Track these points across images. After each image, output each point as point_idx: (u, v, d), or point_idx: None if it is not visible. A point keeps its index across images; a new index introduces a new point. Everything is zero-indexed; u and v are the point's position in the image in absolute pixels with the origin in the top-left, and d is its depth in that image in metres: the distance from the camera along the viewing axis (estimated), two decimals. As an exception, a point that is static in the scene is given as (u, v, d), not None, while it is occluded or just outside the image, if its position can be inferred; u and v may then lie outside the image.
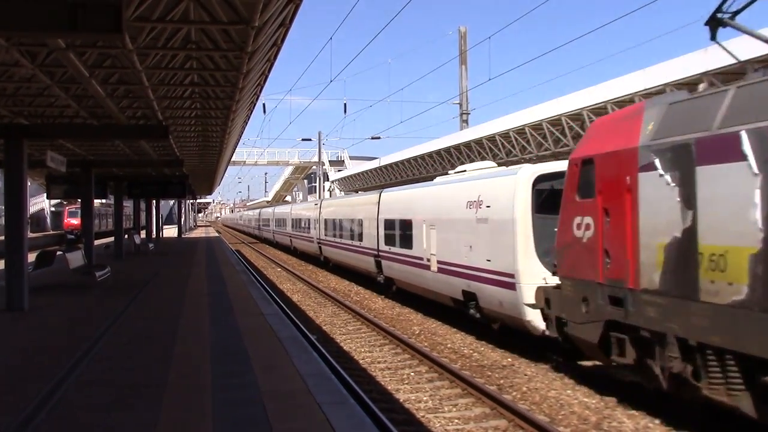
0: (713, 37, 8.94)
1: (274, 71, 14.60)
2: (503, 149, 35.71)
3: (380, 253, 22.46)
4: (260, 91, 17.69)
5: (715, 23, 8.82)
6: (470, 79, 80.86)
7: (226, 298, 15.88)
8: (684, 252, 7.83)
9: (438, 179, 20.12)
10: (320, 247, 34.22)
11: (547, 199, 12.82)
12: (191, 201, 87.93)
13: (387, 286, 22.37)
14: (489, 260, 14.00)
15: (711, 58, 20.26)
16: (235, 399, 7.25)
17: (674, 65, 22.12)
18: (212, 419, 6.57)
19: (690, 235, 7.74)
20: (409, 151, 51.03)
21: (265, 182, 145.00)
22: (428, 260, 17.60)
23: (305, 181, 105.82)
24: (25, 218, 14.63)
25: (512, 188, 13.27)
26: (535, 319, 12.27)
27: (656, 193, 8.42)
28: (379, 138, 57.46)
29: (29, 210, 59.76)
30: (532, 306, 12.29)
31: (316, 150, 70.66)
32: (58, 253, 21.51)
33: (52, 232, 63.89)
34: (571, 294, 10.60)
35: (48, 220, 71.58)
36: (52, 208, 72.20)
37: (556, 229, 11.33)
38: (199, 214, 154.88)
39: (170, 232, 70.35)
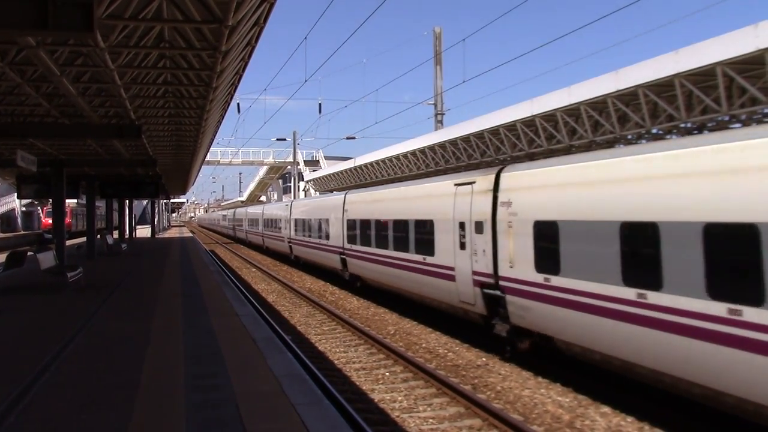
0: None
1: (248, 70, 14.53)
2: (478, 150, 35.85)
3: (345, 251, 23.54)
4: (234, 91, 17.60)
5: None
6: (445, 79, 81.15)
7: (200, 298, 15.77)
8: None
9: (394, 185, 21.27)
10: (290, 246, 35.36)
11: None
12: (165, 201, 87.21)
13: (352, 282, 23.41)
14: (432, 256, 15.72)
15: (682, 59, 20.54)
16: (208, 400, 7.20)
17: (646, 67, 22.36)
18: (185, 420, 6.52)
19: None
20: (384, 152, 51.05)
21: (240, 182, 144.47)
22: (388, 256, 18.68)
23: (280, 181, 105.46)
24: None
25: (451, 196, 14.84)
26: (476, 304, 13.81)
27: None
28: (354, 138, 57.50)
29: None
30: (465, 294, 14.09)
31: (291, 150, 70.48)
32: (29, 253, 21.25)
33: (23, 232, 63.05)
34: None
35: (19, 220, 70.61)
36: (23, 208, 71.26)
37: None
38: (173, 214, 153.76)
39: (143, 232, 69.71)
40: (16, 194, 46.38)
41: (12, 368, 8.90)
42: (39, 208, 74.24)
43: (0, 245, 42.44)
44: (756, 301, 7.18)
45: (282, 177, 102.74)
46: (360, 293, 22.78)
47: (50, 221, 59.35)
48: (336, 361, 13.34)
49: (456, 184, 14.82)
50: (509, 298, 12.26)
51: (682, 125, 22.91)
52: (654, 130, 23.98)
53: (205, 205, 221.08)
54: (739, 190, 7.48)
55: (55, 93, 14.56)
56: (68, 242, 41.01)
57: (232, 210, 78.60)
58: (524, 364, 12.43)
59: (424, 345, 14.65)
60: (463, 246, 14.20)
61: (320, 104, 52.19)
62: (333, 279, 26.92)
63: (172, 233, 77.40)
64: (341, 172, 64.20)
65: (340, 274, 24.67)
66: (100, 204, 51.05)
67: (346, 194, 24.53)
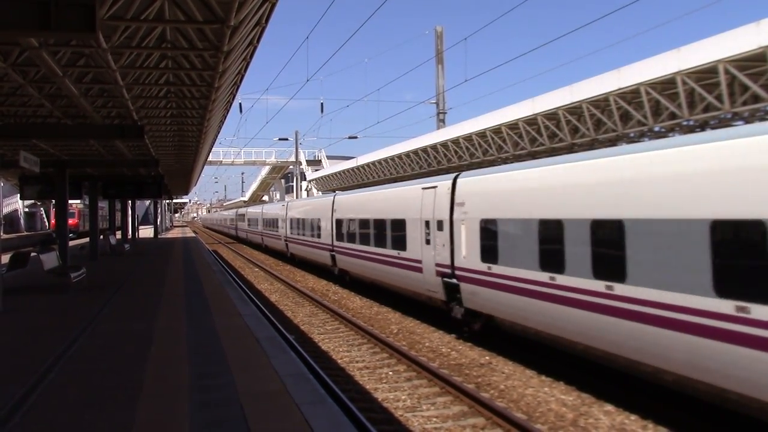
0: None
1: (250, 70, 14.54)
2: (480, 148, 35.85)
3: (334, 248, 25.44)
4: (236, 91, 17.60)
5: None
6: (447, 78, 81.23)
7: (204, 298, 15.79)
8: None
9: (376, 187, 23.03)
10: (287, 244, 37.29)
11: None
12: (167, 201, 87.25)
13: (341, 277, 25.36)
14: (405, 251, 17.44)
15: (684, 57, 20.52)
16: (212, 400, 7.22)
17: (648, 65, 22.35)
18: (189, 420, 6.53)
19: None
20: (386, 151, 51.07)
21: (242, 182, 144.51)
22: (370, 252, 20.53)
23: (282, 180, 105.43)
24: (-2, 219, 14.44)
25: (432, 196, 16.02)
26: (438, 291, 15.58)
27: None
28: (356, 137, 57.47)
29: (3, 211, 59.30)
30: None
31: (293, 150, 70.48)
32: (33, 254, 21.29)
33: (26, 232, 63.14)
34: None
35: (22, 221, 70.71)
36: (26, 209, 71.36)
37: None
38: (176, 215, 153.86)
39: (146, 232, 69.74)
40: (18, 195, 46.44)
41: (17, 368, 8.92)
42: (41, 209, 74.40)
43: (7, 246, 42.47)
44: (621, 279, 9.28)
45: (284, 177, 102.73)
46: (363, 293, 22.80)
47: None
48: (339, 361, 13.35)
49: (423, 188, 16.79)
50: (462, 285, 14.25)
51: (685, 123, 22.89)
52: (656, 128, 23.97)
53: (208, 205, 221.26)
54: (610, 195, 9.64)
55: (57, 94, 14.57)
56: (75, 242, 41.14)
57: (234, 210, 78.73)
58: (527, 363, 12.44)
59: (427, 344, 14.65)
60: (428, 242, 16.10)
61: (322, 104, 51.99)
62: (335, 279, 26.93)
63: (175, 233, 77.48)
64: (343, 171, 64.23)
65: (331, 270, 26.53)
66: (103, 205, 51.10)
67: (335, 196, 26.45)
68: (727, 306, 7.60)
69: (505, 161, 32.91)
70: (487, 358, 13.18)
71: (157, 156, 27.18)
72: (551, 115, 28.53)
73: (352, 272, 23.75)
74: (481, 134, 34.86)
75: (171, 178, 44.45)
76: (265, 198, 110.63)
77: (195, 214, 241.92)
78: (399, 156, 48.29)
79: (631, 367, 9.55)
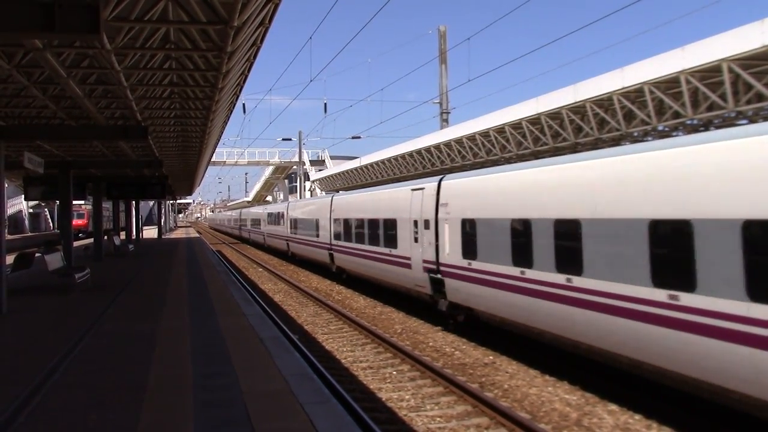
0: None
1: (253, 71, 14.56)
2: (483, 148, 35.82)
3: (332, 246, 26.59)
4: (240, 91, 17.62)
5: None
6: (450, 78, 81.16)
7: (207, 298, 15.82)
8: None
9: (371, 188, 24.29)
10: (288, 244, 38.45)
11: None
12: (171, 202, 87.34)
13: (339, 274, 26.56)
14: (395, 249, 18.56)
15: (688, 56, 20.48)
16: (216, 400, 7.23)
17: (651, 64, 22.31)
18: (193, 420, 6.55)
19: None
20: (390, 151, 51.04)
21: (246, 182, 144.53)
22: (364, 250, 21.66)
23: (286, 181, 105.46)
24: (3, 220, 14.47)
25: (419, 197, 17.06)
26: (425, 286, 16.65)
27: None
28: (359, 137, 57.50)
29: (7, 212, 59.37)
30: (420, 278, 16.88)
31: (297, 150, 70.51)
32: (37, 255, 21.33)
33: (30, 233, 63.27)
34: None
35: (26, 222, 70.85)
36: (30, 210, 71.49)
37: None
38: (180, 215, 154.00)
39: (150, 233, 69.87)
40: (23, 196, 46.56)
41: (22, 369, 8.95)
42: (46, 209, 74.57)
43: (11, 247, 42.55)
44: (529, 265, 11.58)
45: (288, 177, 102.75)
46: (367, 293, 22.82)
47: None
48: (343, 360, 13.37)
49: (412, 190, 17.89)
50: (447, 280, 15.34)
51: (689, 122, 22.85)
52: (660, 127, 23.93)
53: (212, 205, 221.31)
54: (569, 197, 10.78)
55: (61, 95, 14.61)
56: (80, 243, 41.23)
57: (238, 210, 78.93)
58: (531, 363, 12.44)
59: (430, 344, 14.66)
60: (416, 240, 17.19)
61: (325, 104, 51.94)
62: (338, 279, 26.97)
63: (179, 234, 77.57)
64: (347, 171, 64.21)
65: (329, 267, 27.89)
66: (107, 205, 51.19)
67: (332, 196, 27.87)
68: (661, 294, 8.66)
69: (509, 161, 32.88)
70: (490, 357, 13.18)
71: (160, 156, 27.22)
72: (555, 115, 28.49)
73: (349, 269, 24.92)
74: (485, 134, 34.83)
75: (175, 179, 44.50)
76: (269, 198, 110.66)
77: (199, 215, 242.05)
78: (402, 156, 48.26)
79: (591, 351, 10.44)
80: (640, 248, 9.03)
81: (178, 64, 12.86)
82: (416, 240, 17.14)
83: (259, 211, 54.86)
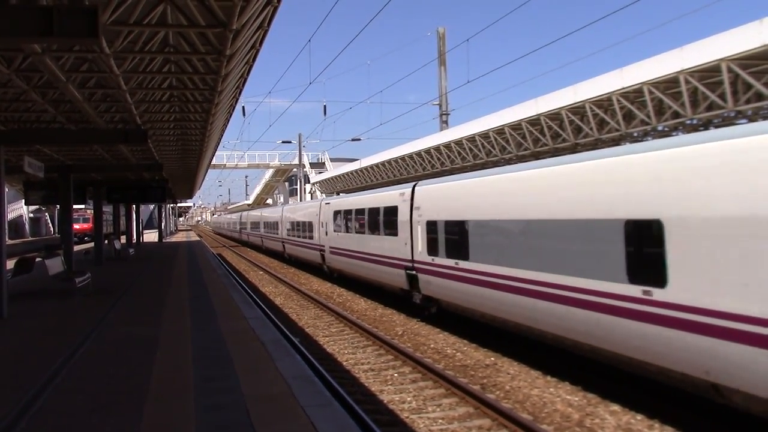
0: None
1: (253, 74, 14.58)
2: (483, 149, 35.83)
3: (323, 247, 28.01)
4: (239, 94, 17.64)
5: None
6: (450, 79, 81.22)
7: (208, 302, 15.81)
8: None
9: (357, 193, 26.11)
10: (284, 245, 39.66)
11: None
12: (171, 205, 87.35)
13: (331, 274, 28.04)
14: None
15: (687, 56, 20.48)
16: (218, 403, 7.23)
17: (650, 64, 22.31)
18: (195, 424, 6.54)
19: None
20: (390, 153, 51.05)
21: (246, 185, 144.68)
22: (353, 250, 23.21)
23: (286, 183, 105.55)
24: (4, 225, 14.47)
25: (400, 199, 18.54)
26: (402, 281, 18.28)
27: None
28: (359, 140, 57.54)
29: (7, 216, 59.45)
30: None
31: (297, 152, 70.54)
32: (38, 259, 21.33)
33: (31, 238, 63.27)
34: None
35: (27, 226, 70.85)
36: (31, 215, 71.51)
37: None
38: (180, 218, 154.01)
39: (151, 236, 69.88)
40: (23, 201, 46.53)
41: (23, 373, 8.94)
42: (46, 214, 74.57)
43: (12, 251, 42.55)
44: (464, 258, 14.01)
45: (288, 179, 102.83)
46: (368, 295, 22.82)
47: (76, 226, 60.88)
48: (344, 363, 13.35)
49: (399, 194, 19.21)
50: (419, 275, 17.01)
51: (688, 122, 22.86)
52: (660, 127, 23.93)
53: (212, 209, 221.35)
54: (506, 203, 12.64)
55: (61, 99, 14.62)
56: (80, 247, 41.21)
57: (238, 214, 79.06)
58: (533, 363, 12.43)
59: (432, 345, 14.65)
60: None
61: (325, 106, 51.93)
62: (341, 282, 26.97)
63: (180, 237, 77.58)
64: (347, 173, 64.23)
65: (321, 268, 29.39)
66: (108, 209, 51.19)
67: (323, 200, 29.65)
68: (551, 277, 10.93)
69: (509, 162, 32.88)
70: (492, 359, 13.16)
71: (160, 160, 27.24)
72: (554, 116, 28.50)
73: (339, 268, 26.37)
74: (484, 135, 34.84)
75: (175, 182, 44.53)
76: (269, 201, 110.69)
77: (199, 218, 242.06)
78: (402, 158, 48.27)
79: (545, 336, 11.76)
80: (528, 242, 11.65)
81: (178, 68, 12.87)
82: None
83: (256, 213, 56.58)
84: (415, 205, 17.29)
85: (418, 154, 44.86)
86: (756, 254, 7.33)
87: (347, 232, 24.36)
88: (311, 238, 30.63)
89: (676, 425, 8.98)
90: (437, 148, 41.46)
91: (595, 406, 9.93)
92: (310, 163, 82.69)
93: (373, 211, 20.99)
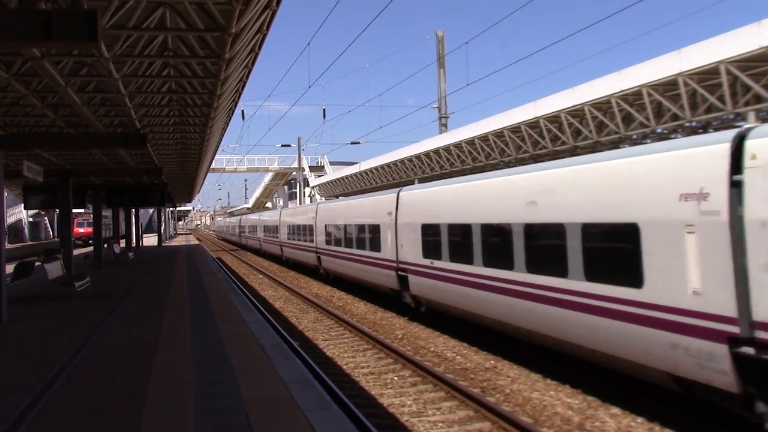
0: None
1: (252, 77, 14.60)
2: (482, 152, 35.85)
3: (319, 250, 28.86)
4: (238, 98, 17.65)
5: None
6: (449, 82, 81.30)
7: (208, 306, 15.80)
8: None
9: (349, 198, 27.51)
10: (281, 248, 40.38)
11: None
12: (171, 209, 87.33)
13: (327, 276, 28.82)
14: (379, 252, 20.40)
15: (685, 58, 20.50)
16: (217, 407, 7.21)
17: (649, 67, 22.33)
18: (194, 427, 6.53)
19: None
20: (389, 156, 51.10)
21: (245, 189, 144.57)
22: (350, 254, 23.70)
23: (285, 187, 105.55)
24: (3, 229, 14.46)
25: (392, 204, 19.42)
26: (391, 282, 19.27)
27: None
28: (358, 143, 57.58)
29: (7, 221, 59.40)
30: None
31: (296, 156, 70.57)
32: (37, 263, 21.31)
33: (31, 242, 63.24)
34: None
35: (26, 230, 70.80)
36: (30, 219, 71.45)
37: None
38: (179, 222, 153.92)
39: (150, 240, 69.83)
40: (22, 205, 46.54)
41: (22, 378, 8.92)
42: (45, 218, 74.52)
43: (11, 256, 42.52)
44: (438, 258, 15.45)
45: (287, 183, 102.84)
46: (367, 298, 22.81)
47: (81, 230, 61.04)
48: (344, 366, 13.33)
49: (380, 198, 20.77)
50: (409, 276, 17.86)
51: (687, 124, 22.87)
52: (659, 130, 23.95)
53: (211, 212, 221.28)
54: (461, 208, 14.54)
55: (60, 103, 14.62)
56: (80, 251, 41.19)
57: (238, 217, 79.14)
58: (533, 366, 12.41)
59: (432, 349, 14.63)
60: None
61: (324, 110, 52.04)
62: (340, 285, 26.95)
63: (179, 241, 77.55)
64: (346, 177, 64.27)
65: (317, 270, 30.08)
66: (107, 213, 51.20)
67: (318, 204, 30.77)
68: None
69: (508, 165, 32.92)
70: (492, 362, 13.15)
71: (160, 164, 27.23)
72: (553, 118, 28.54)
73: (333, 270, 27.08)
74: (484, 138, 34.87)
75: (174, 186, 44.53)
76: (269, 205, 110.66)
77: (199, 222, 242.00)
78: (401, 161, 48.31)
79: (502, 327, 13.17)
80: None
81: (177, 72, 12.88)
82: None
83: (254, 217, 57.89)
84: (399, 210, 18.47)
85: (417, 157, 44.89)
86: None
87: (340, 234, 25.04)
88: (307, 241, 31.37)
89: (677, 428, 8.97)
90: (436, 151, 41.50)
91: (596, 409, 9.92)
92: (309, 167, 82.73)
93: (365, 215, 21.88)
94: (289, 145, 68.51)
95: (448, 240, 14.99)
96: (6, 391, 8.28)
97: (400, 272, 18.40)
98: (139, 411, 7.15)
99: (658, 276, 8.55)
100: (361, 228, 22.28)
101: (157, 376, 8.78)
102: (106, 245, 34.62)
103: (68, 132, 17.58)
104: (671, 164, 8.49)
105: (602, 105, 25.48)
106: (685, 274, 8.09)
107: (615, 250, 9.53)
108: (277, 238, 41.97)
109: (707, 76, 20.38)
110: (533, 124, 30.10)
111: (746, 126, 7.99)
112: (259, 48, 12.19)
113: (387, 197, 19.91)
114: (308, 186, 78.64)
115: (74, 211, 49.62)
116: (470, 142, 36.37)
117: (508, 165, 32.86)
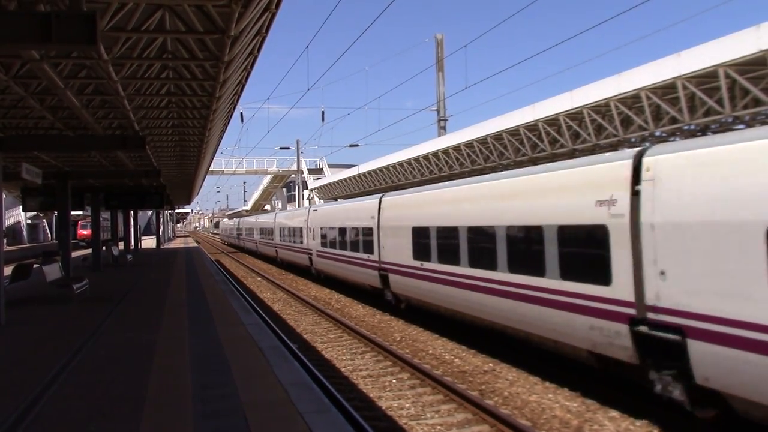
0: None
1: (251, 80, 14.58)
2: (481, 155, 35.87)
3: (312, 252, 30.00)
4: (237, 100, 17.65)
5: None
6: (448, 84, 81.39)
7: (206, 308, 15.78)
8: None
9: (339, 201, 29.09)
10: (276, 250, 41.68)
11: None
12: (169, 211, 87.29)
13: (318, 276, 30.19)
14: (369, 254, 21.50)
15: (684, 61, 20.52)
16: (216, 410, 7.20)
17: (648, 70, 22.35)
18: (193, 430, 6.52)
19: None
20: (388, 159, 51.10)
21: (244, 191, 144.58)
22: (339, 255, 24.94)
23: (284, 189, 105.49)
24: (2, 231, 14.44)
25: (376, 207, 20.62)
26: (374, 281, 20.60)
27: None
28: (357, 145, 57.89)
29: (5, 223, 59.31)
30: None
31: (295, 158, 70.59)
32: (35, 265, 21.29)
33: (29, 244, 63.18)
34: None
35: (24, 232, 70.75)
36: (28, 221, 71.40)
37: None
38: (178, 225, 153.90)
39: (149, 243, 69.78)
40: (21, 207, 46.46)
41: (20, 380, 8.91)
42: (44, 220, 74.47)
43: (9, 258, 42.46)
44: (427, 259, 15.94)
45: (286, 185, 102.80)
46: (366, 301, 22.80)
47: (84, 232, 61.17)
48: (343, 369, 13.32)
49: (363, 203, 22.21)
50: (387, 275, 19.19)
51: (686, 127, 22.88)
52: (657, 133, 23.97)
53: (210, 215, 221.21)
54: (449, 212, 15.04)
55: (59, 105, 14.61)
56: (78, 253, 41.11)
57: (236, 220, 79.18)
58: (531, 369, 12.41)
59: (430, 351, 14.63)
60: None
61: (323, 112, 52.09)
62: (339, 287, 26.95)
63: (177, 243, 77.50)
64: (345, 179, 64.27)
65: (310, 271, 31.31)
66: (106, 215, 51.14)
67: (310, 208, 32.03)
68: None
69: (506, 168, 32.91)
70: (490, 365, 13.15)
71: (158, 166, 27.22)
72: (552, 121, 28.56)
73: (324, 270, 28.32)
74: (482, 141, 34.89)
75: (173, 188, 44.51)
76: (267, 207, 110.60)
77: (197, 224, 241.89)
78: (400, 164, 48.31)
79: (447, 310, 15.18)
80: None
81: (176, 74, 12.88)
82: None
83: (251, 220, 59.08)
84: (381, 214, 19.78)
85: (416, 159, 44.89)
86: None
87: (331, 236, 26.39)
88: (301, 242, 32.78)
89: (675, 431, 8.96)
90: (435, 154, 41.50)
91: (594, 412, 9.92)
92: (308, 169, 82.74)
93: (351, 218, 23.33)
94: (288, 148, 68.40)
95: (413, 241, 16.79)
96: (4, 393, 8.26)
97: (381, 272, 19.60)
98: (137, 413, 7.14)
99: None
100: (347, 231, 23.59)
101: (156, 378, 8.77)
102: (104, 247, 34.57)
103: (67, 134, 17.58)
104: (592, 175, 10.07)
105: (601, 108, 25.51)
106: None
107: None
108: (272, 240, 43.30)
109: (706, 79, 20.40)
110: (532, 127, 30.12)
111: (647, 144, 10.17)
112: (258, 50, 12.20)
113: (370, 203, 21.21)
114: (307, 188, 78.62)
115: (77, 213, 49.75)
116: (469, 144, 36.38)
117: (506, 168, 32.84)
